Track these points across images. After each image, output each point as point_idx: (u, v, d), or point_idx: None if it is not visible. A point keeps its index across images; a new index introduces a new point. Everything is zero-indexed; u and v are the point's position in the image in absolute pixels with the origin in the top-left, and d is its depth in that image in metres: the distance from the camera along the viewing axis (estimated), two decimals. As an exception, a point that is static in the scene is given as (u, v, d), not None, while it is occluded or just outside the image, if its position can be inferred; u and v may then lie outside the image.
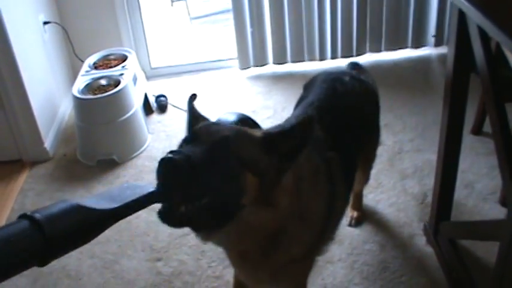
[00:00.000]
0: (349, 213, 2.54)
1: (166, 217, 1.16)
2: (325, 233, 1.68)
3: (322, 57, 4.02)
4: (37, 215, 0.90)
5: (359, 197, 2.56)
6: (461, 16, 1.83)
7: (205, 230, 1.28)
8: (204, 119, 1.45)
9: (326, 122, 1.73)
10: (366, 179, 2.42)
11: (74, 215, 0.94)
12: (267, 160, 1.27)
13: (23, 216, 0.89)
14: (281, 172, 1.30)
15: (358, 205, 2.57)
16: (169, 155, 1.13)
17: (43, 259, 0.90)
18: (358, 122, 2.00)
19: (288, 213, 1.37)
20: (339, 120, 1.86)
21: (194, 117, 1.46)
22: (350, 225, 2.52)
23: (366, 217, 2.56)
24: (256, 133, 1.34)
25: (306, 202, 1.47)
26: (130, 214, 1.04)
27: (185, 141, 1.30)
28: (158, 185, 1.11)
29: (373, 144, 2.29)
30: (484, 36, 1.71)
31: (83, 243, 0.96)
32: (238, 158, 1.22)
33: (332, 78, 2.07)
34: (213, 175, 1.15)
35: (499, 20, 1.45)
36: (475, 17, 1.58)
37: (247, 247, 1.43)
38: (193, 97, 1.50)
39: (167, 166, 1.12)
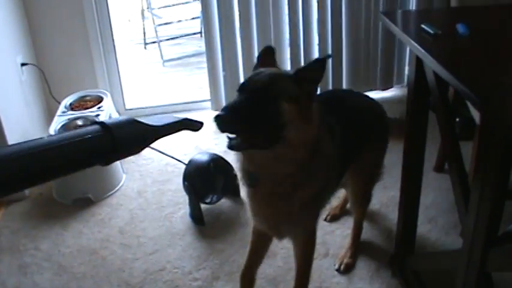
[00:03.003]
0: (339, 258, 2.61)
1: (230, 146, 1.72)
2: (327, 187, 2.04)
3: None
4: (107, 121, 1.09)
5: (355, 239, 2.64)
6: (419, 61, 1.98)
7: (264, 148, 1.71)
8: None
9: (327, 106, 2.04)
10: (366, 195, 2.55)
11: (134, 125, 1.13)
12: (299, 89, 1.70)
13: (96, 123, 1.07)
14: (310, 95, 1.74)
15: (353, 250, 2.61)
16: (218, 112, 1.60)
17: (109, 158, 1.10)
18: (360, 125, 2.27)
19: (319, 134, 1.79)
20: (338, 109, 2.17)
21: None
22: (338, 270, 2.55)
23: (326, 237, 2.67)
24: (289, 72, 1.81)
25: (323, 144, 1.84)
26: (172, 133, 1.30)
27: (238, 91, 1.74)
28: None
29: (372, 155, 2.43)
30: (439, 80, 1.86)
31: (138, 151, 1.17)
32: (273, 95, 1.66)
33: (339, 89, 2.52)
34: (255, 113, 1.62)
35: (453, 68, 1.59)
36: (431, 63, 1.72)
37: (292, 168, 1.78)
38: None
39: (217, 121, 1.60)
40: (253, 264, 2.28)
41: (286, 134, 1.68)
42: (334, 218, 2.89)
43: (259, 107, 1.64)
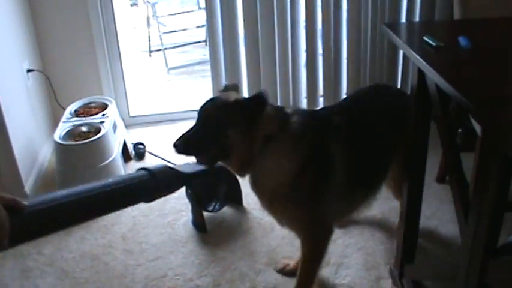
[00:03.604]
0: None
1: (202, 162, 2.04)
2: (314, 187, 2.12)
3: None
4: (151, 167, 1.35)
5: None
6: (421, 73, 2.00)
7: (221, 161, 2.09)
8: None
9: (346, 107, 2.39)
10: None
11: (171, 171, 1.43)
12: (242, 117, 1.98)
13: (142, 169, 1.34)
14: (253, 122, 1.99)
15: None
16: (175, 141, 1.97)
17: (153, 197, 1.34)
18: (388, 118, 2.36)
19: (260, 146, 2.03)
20: (363, 107, 2.37)
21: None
22: None
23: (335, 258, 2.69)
24: (229, 100, 2.05)
25: (281, 144, 2.06)
26: (200, 178, 1.77)
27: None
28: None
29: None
30: (441, 92, 1.88)
31: (175, 190, 1.50)
32: (220, 124, 1.98)
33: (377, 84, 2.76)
34: (203, 139, 1.99)
35: (454, 81, 1.61)
36: (432, 75, 1.74)
37: (237, 168, 2.14)
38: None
39: (174, 148, 1.98)
40: None
41: (232, 153, 2.04)
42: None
43: (206, 133, 2.01)
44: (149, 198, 1.35)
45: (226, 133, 1.98)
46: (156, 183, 1.32)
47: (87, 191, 1.22)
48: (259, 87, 4.07)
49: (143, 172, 1.32)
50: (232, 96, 2.09)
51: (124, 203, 1.29)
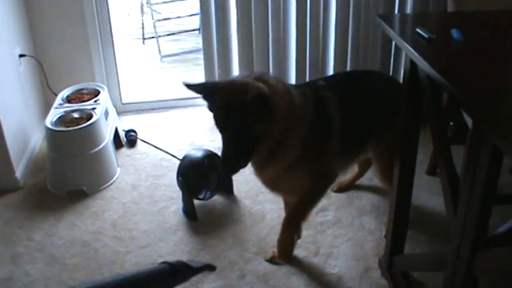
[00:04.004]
0: (384, 225, 2.80)
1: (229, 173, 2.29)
2: (319, 145, 2.32)
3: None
4: (171, 261, 1.60)
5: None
6: (413, 65, 2.00)
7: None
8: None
9: (333, 81, 2.61)
10: (390, 169, 2.47)
11: (183, 265, 1.68)
12: (259, 112, 2.05)
13: (163, 262, 1.63)
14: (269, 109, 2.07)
15: None
16: (224, 166, 2.17)
17: (172, 285, 1.58)
18: (372, 99, 2.53)
19: (283, 124, 2.14)
20: (349, 86, 2.56)
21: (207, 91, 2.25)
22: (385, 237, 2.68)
23: (317, 236, 2.71)
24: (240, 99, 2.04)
25: (293, 114, 2.18)
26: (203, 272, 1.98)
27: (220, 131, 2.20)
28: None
29: (393, 132, 2.46)
30: (433, 84, 1.89)
31: (187, 279, 1.81)
32: (250, 130, 2.07)
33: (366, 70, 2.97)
34: (242, 147, 2.13)
35: (445, 73, 1.61)
36: (424, 67, 1.74)
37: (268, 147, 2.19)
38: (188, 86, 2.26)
39: (229, 173, 2.38)
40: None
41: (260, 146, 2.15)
42: (339, 190, 3.14)
43: (242, 141, 2.11)
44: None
45: (256, 131, 2.08)
46: (175, 275, 1.62)
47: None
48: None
49: (166, 266, 1.62)
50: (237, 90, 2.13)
51: None
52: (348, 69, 4.11)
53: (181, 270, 1.62)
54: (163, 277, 1.54)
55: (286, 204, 2.72)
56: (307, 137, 2.25)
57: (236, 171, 2.17)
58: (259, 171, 2.35)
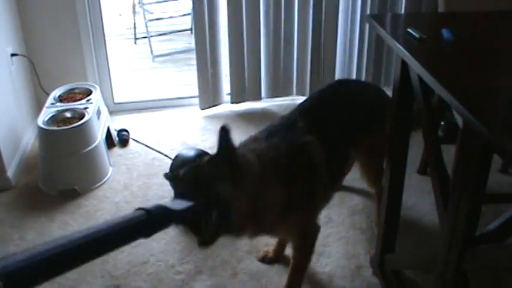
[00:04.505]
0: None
1: (203, 242, 1.81)
2: (303, 197, 2.13)
3: (277, 95, 4.27)
4: (147, 207, 1.39)
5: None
6: (404, 64, 2.02)
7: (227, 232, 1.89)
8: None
9: (312, 115, 2.29)
10: (380, 170, 2.59)
11: (163, 208, 1.44)
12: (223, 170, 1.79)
13: (138, 209, 1.40)
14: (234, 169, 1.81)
15: None
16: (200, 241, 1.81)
17: (149, 233, 1.38)
18: (353, 113, 2.42)
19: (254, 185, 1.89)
20: (329, 113, 2.36)
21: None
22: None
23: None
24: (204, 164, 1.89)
25: (265, 175, 1.94)
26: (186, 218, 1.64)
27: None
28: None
29: (378, 135, 2.51)
30: (423, 83, 1.90)
31: (169, 226, 1.49)
32: (220, 201, 1.75)
33: (338, 80, 2.78)
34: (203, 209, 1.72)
35: (435, 72, 1.63)
36: (415, 67, 1.76)
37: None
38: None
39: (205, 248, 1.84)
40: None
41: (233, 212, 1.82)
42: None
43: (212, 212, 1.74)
44: (146, 235, 1.42)
45: (218, 191, 1.76)
46: (152, 221, 1.39)
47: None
48: (243, 77, 4.09)
49: (141, 212, 1.39)
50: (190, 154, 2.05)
51: (123, 243, 1.37)
52: (340, 65, 4.16)
53: (160, 216, 1.43)
54: (139, 226, 1.37)
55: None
56: (290, 197, 2.04)
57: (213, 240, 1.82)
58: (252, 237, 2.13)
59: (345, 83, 2.62)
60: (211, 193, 1.73)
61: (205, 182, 1.77)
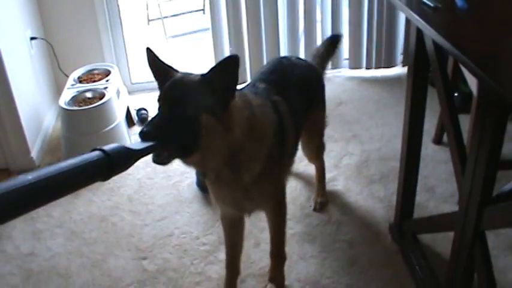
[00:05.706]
0: (313, 199, 2.87)
1: (158, 161, 1.67)
2: (279, 156, 2.09)
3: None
4: (104, 147, 1.33)
5: (321, 181, 2.88)
6: (419, 34, 2.06)
7: (184, 157, 1.77)
8: (169, 70, 1.96)
9: (272, 80, 2.28)
10: (320, 145, 2.78)
11: (123, 149, 1.38)
12: (214, 98, 1.72)
13: (95, 149, 1.33)
14: (226, 103, 1.74)
15: (322, 191, 2.91)
16: (142, 129, 1.60)
17: (107, 175, 1.33)
18: (302, 87, 2.43)
19: (241, 135, 1.82)
20: (284, 81, 2.33)
21: (160, 69, 1.99)
22: (315, 209, 2.85)
23: (329, 205, 2.86)
24: (196, 78, 1.80)
25: (257, 127, 1.90)
26: (145, 156, 1.51)
27: (158, 101, 1.77)
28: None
29: (319, 111, 2.66)
30: (439, 52, 1.95)
31: (128, 167, 1.41)
32: (190, 110, 1.68)
33: (280, 57, 2.66)
34: (174, 127, 1.66)
35: (451, 38, 1.67)
36: (430, 33, 1.80)
37: (217, 165, 1.87)
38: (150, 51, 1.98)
39: (142, 136, 1.58)
40: (234, 257, 2.37)
41: (202, 144, 1.71)
42: None
43: (177, 121, 1.67)
44: (104, 178, 1.36)
45: (198, 116, 1.68)
46: (111, 163, 1.32)
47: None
48: (261, 56, 4.13)
49: (98, 153, 1.32)
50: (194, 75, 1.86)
51: (78, 185, 1.32)
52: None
53: (119, 156, 1.34)
54: (97, 167, 1.30)
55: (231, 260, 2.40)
56: (271, 152, 1.99)
57: (149, 136, 1.58)
58: (218, 187, 2.05)
59: (289, 58, 2.61)
60: (190, 115, 1.67)
61: (188, 99, 1.71)
